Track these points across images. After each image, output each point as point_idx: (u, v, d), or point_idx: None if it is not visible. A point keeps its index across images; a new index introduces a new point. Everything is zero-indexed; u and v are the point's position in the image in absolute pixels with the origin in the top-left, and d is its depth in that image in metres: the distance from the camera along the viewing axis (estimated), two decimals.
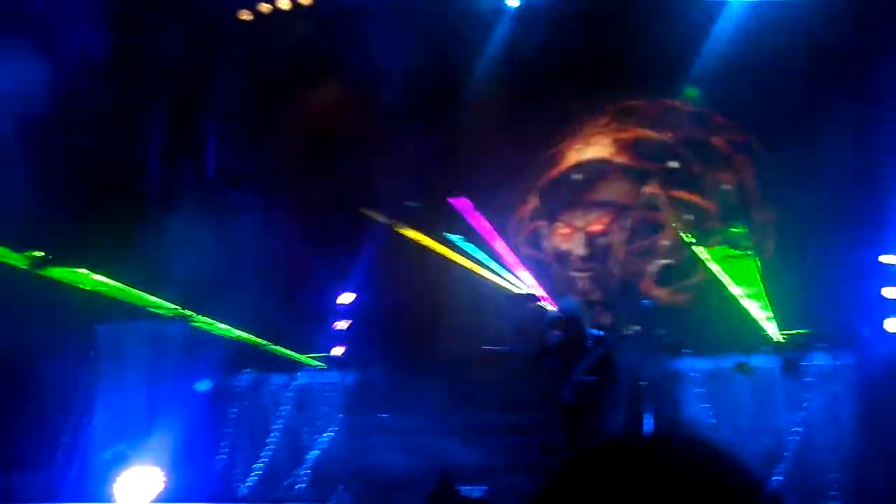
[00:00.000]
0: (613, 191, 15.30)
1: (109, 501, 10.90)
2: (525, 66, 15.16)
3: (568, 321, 10.35)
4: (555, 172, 15.72)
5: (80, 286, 13.32)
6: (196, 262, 13.68)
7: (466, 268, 15.11)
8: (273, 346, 14.14)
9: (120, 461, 12.98)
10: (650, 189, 15.01)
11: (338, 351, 14.82)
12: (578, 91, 15.17)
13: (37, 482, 13.05)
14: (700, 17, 14.50)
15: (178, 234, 13.88)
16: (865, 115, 13.47)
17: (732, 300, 13.34)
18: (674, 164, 14.91)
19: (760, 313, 12.82)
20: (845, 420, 10.81)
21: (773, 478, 10.85)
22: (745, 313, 13.01)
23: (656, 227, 14.99)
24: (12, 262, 12.91)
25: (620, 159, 15.31)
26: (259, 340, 14.10)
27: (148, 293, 13.77)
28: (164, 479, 11.04)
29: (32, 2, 13.26)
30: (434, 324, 14.66)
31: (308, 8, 15.65)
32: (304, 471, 12.97)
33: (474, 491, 11.34)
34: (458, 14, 15.23)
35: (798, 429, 10.94)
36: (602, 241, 15.17)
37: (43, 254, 13.03)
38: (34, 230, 13.06)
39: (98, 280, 13.40)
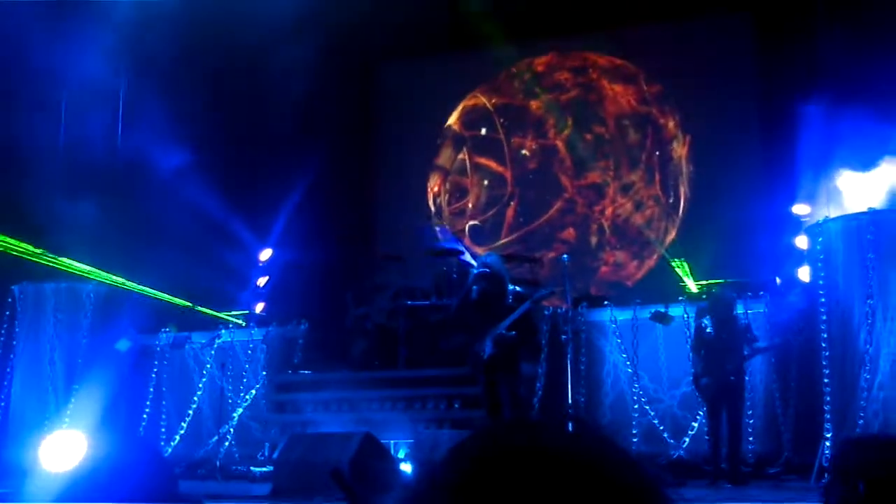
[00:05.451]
0: (443, 157, 17.16)
1: (32, 465, 10.78)
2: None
3: (489, 276, 10.43)
4: (439, 139, 17.16)
5: None
6: (112, 221, 13.52)
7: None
8: (193, 305, 14.04)
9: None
10: (462, 155, 16.92)
11: (259, 308, 14.80)
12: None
13: None
14: None
15: (94, 194, 13.67)
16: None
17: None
18: (482, 132, 16.71)
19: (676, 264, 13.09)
20: (759, 368, 11.09)
21: (691, 424, 11.18)
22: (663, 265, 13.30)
23: (464, 191, 16.78)
24: None
25: (455, 127, 17.10)
26: (179, 299, 13.99)
27: (63, 254, 13.53)
28: (87, 442, 10.94)
29: None
30: (356, 279, 14.68)
31: None
32: (229, 429, 12.97)
33: (399, 446, 11.49)
34: None
35: None
36: (438, 201, 17.07)
37: None
38: None
39: (11, 241, 13.13)
